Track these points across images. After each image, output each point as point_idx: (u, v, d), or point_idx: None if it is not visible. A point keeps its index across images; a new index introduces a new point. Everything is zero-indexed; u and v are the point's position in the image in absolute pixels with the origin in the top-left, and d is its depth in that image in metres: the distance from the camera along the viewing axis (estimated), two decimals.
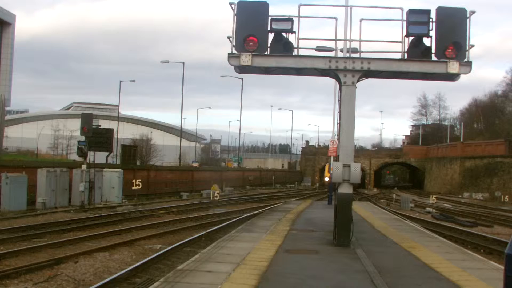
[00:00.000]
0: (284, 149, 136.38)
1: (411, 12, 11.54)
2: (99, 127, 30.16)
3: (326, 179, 49.13)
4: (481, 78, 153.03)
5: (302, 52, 12.07)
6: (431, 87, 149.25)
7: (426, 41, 11.77)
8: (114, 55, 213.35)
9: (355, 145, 40.75)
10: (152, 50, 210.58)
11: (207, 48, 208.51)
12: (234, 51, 11.70)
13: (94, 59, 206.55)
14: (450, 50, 11.46)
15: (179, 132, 63.72)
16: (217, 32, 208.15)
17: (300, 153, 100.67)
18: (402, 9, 11.68)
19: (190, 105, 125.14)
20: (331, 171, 18.39)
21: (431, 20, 11.51)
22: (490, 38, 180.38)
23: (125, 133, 64.42)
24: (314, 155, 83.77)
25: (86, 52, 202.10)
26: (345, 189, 11.59)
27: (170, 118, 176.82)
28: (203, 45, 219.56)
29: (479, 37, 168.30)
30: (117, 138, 47.03)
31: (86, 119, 24.57)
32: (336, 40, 12.67)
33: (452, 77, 12.32)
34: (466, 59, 11.60)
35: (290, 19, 11.60)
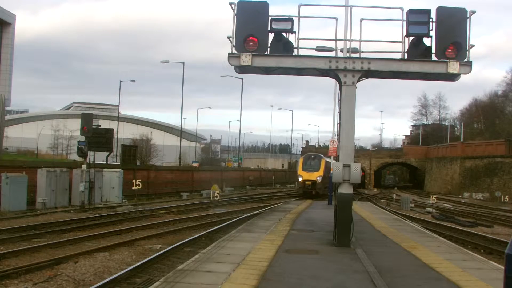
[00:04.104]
0: (284, 149, 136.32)
1: (411, 12, 11.53)
2: (99, 127, 30.11)
3: (300, 178, 39.19)
4: (485, 78, 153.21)
5: (302, 52, 12.06)
6: (433, 87, 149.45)
7: (426, 41, 11.78)
8: (116, 55, 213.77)
9: (355, 145, 39.81)
10: (155, 50, 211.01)
11: (210, 48, 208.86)
12: (234, 51, 11.69)
13: (96, 59, 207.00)
14: (450, 50, 11.46)
15: (179, 132, 63.70)
16: (220, 31, 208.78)
17: (300, 153, 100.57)
18: (402, 9, 11.69)
19: (190, 105, 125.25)
20: (331, 172, 18.18)
21: (431, 20, 11.51)
22: (495, 37, 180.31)
23: (125, 133, 64.43)
24: None
25: (89, 51, 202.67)
26: (345, 189, 11.58)
27: (170, 118, 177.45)
28: (206, 45, 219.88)
29: (484, 37, 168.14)
30: (117, 138, 47.03)
31: (86, 119, 24.57)
32: (336, 40, 12.68)
33: (452, 77, 12.32)
34: (466, 59, 11.60)
35: (290, 19, 11.59)
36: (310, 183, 38.40)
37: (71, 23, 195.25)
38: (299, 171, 39.88)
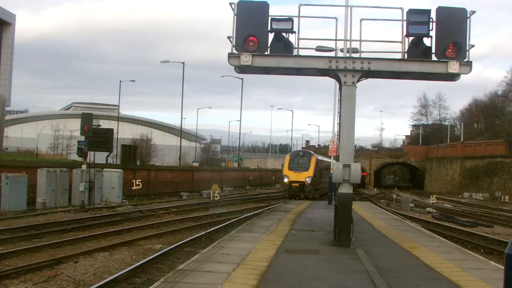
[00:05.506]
0: (284, 149, 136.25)
1: (411, 12, 11.53)
2: (99, 127, 30.14)
3: (286, 179, 33.64)
4: (486, 78, 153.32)
5: (302, 52, 12.07)
6: (433, 87, 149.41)
7: (426, 41, 11.78)
8: (118, 55, 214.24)
9: (355, 145, 38.62)
10: (155, 49, 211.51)
11: (211, 48, 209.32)
12: (234, 51, 11.69)
13: (97, 59, 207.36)
14: (450, 50, 11.47)
15: (179, 132, 63.72)
16: (221, 32, 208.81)
17: None
18: (402, 9, 11.69)
19: (190, 105, 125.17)
20: (331, 172, 18.08)
21: (431, 20, 11.51)
22: (497, 37, 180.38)
23: (125, 133, 64.42)
24: None
25: (89, 51, 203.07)
26: (345, 189, 11.58)
27: (170, 118, 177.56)
28: (207, 45, 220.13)
29: (486, 37, 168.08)
30: (117, 138, 47.01)
31: (86, 119, 24.58)
32: (336, 40, 12.68)
33: (453, 77, 12.33)
34: (466, 59, 11.60)
35: (290, 19, 11.59)
36: (297, 184, 33.17)
37: (72, 23, 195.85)
38: (285, 170, 34.27)
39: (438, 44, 11.57)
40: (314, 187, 34.43)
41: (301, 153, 36.64)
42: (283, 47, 11.83)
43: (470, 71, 11.68)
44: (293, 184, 33.33)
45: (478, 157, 57.28)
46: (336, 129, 18.30)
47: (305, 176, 33.43)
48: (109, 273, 10.62)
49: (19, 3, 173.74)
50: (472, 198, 51.18)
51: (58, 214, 21.01)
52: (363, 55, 12.07)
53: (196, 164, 64.58)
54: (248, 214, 22.33)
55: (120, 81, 60.74)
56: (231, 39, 11.65)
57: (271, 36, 11.74)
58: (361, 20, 11.63)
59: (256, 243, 11.79)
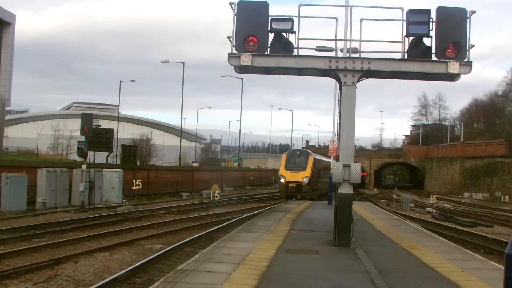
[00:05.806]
0: (284, 149, 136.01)
1: (411, 12, 11.53)
2: (99, 127, 30.13)
3: (282, 179, 32.37)
4: (486, 78, 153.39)
5: (302, 52, 12.06)
6: (433, 87, 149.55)
7: (426, 41, 11.78)
8: (117, 55, 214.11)
9: (355, 145, 38.16)
10: (155, 50, 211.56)
11: (211, 48, 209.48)
12: (234, 51, 11.69)
13: (97, 59, 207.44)
14: (450, 50, 11.46)
15: (179, 132, 63.74)
16: (222, 32, 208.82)
17: None
18: (402, 9, 11.69)
19: (190, 105, 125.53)
20: (331, 172, 18.06)
21: (431, 20, 11.51)
22: (498, 37, 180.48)
23: (125, 133, 64.42)
24: None
25: (89, 51, 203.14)
26: (345, 189, 11.58)
27: (170, 118, 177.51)
28: (209, 45, 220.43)
29: (487, 37, 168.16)
30: (117, 138, 47.01)
31: (86, 119, 24.58)
32: (336, 40, 12.68)
33: (453, 77, 12.33)
34: (466, 59, 11.59)
35: (290, 19, 11.59)
36: (294, 185, 31.94)
37: (72, 23, 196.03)
38: (281, 170, 32.92)
39: (438, 44, 11.57)
40: (311, 187, 33.65)
41: (298, 152, 35.26)
42: (283, 47, 11.83)
43: (470, 71, 11.68)
44: (289, 185, 32.19)
45: (478, 157, 57.27)
46: (336, 129, 18.31)
47: (302, 176, 32.28)
48: (109, 273, 10.62)
49: (19, 3, 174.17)
50: (472, 198, 51.19)
51: (58, 214, 21.02)
52: (363, 55, 12.07)
53: (196, 164, 64.58)
54: (248, 214, 22.33)
55: (120, 81, 60.83)
56: (231, 39, 11.65)
57: (271, 36, 11.73)
58: (361, 20, 11.63)
59: (256, 243, 11.79)
